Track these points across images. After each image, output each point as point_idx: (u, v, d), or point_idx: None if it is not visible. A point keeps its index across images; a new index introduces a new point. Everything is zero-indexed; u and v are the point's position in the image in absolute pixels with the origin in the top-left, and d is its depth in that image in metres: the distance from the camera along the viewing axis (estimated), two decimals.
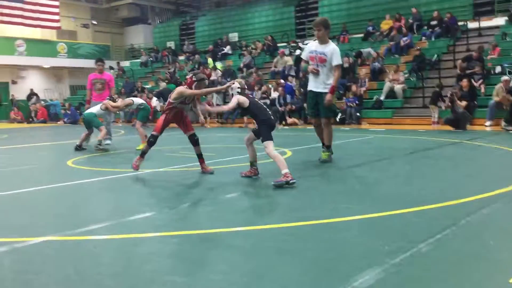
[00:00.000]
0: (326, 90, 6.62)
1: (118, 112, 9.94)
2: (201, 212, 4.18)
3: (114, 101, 9.34)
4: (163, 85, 18.18)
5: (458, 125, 11.76)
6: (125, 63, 28.30)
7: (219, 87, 6.36)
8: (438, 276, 2.53)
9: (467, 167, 6.40)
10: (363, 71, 16.71)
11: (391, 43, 17.87)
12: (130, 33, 31.07)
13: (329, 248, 3.02)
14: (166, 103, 6.21)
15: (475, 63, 14.30)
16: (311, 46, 6.80)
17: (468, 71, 14.16)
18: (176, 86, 10.27)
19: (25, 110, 24.43)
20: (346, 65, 16.64)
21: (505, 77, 12.73)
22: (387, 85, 15.43)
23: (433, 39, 17.55)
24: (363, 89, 15.88)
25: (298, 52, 18.31)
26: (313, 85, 6.79)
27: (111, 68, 25.07)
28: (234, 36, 25.28)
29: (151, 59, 26.61)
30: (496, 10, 17.71)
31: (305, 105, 12.11)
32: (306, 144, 9.24)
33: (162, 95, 14.92)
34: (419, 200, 4.26)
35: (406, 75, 15.86)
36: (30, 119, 23.56)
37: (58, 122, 22.47)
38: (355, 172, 6.08)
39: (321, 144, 6.98)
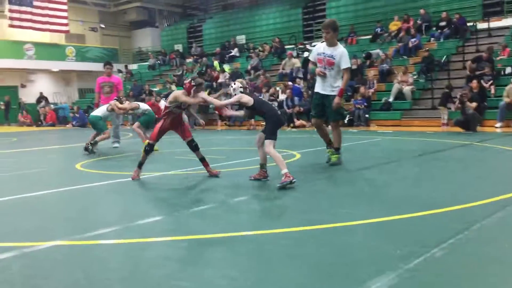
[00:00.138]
0: (334, 93, 6.56)
1: (126, 115, 9.95)
2: (210, 216, 4.15)
3: (121, 102, 9.31)
4: (173, 87, 18.26)
5: (468, 126, 11.65)
6: (133, 66, 28.43)
7: (214, 100, 6.21)
8: (453, 281, 2.49)
9: (478, 169, 6.32)
10: (371, 73, 16.63)
11: (400, 44, 17.78)
12: (138, 36, 31.20)
13: (339, 253, 2.98)
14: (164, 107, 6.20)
15: (484, 64, 14.18)
16: (319, 48, 6.74)
17: (477, 72, 14.04)
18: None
19: (34, 114, 24.59)
20: (354, 66, 16.55)
21: None
22: (395, 86, 15.34)
23: (442, 40, 17.43)
24: (372, 90, 15.81)
25: (306, 54, 18.27)
26: (320, 87, 6.74)
27: (119, 71, 25.20)
28: (241, 39, 25.29)
29: (159, 62, 26.69)
30: (505, 10, 17.55)
31: None
32: (314, 147, 9.18)
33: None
34: (430, 203, 4.20)
35: (415, 77, 15.75)
36: (39, 123, 23.71)
37: (67, 125, 22.59)
38: (364, 175, 6.03)
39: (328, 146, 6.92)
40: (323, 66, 6.60)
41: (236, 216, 4.13)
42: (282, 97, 16.62)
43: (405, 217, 3.77)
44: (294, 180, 5.08)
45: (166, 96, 15.94)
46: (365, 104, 14.92)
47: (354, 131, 13.20)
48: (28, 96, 26.21)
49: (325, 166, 6.66)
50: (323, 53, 6.59)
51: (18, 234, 3.71)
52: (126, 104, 9.37)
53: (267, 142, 5.36)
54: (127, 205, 4.84)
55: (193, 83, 5.86)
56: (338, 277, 2.60)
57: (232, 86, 5.70)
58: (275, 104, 16.66)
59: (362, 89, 15.28)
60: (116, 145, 10.03)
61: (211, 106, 18.24)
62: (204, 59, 23.32)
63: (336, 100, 6.50)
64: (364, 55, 17.79)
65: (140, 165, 6.01)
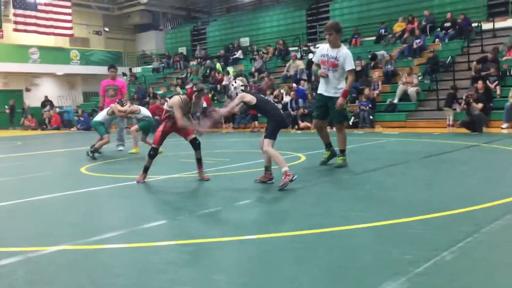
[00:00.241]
0: (337, 95, 6.52)
1: (131, 119, 9.90)
2: (215, 219, 4.11)
3: (122, 105, 9.27)
4: (178, 89, 18.28)
5: (474, 127, 11.56)
6: (137, 69, 28.48)
7: (215, 114, 6.08)
8: (465, 285, 2.44)
9: (486, 171, 6.25)
10: (376, 74, 16.57)
11: (404, 45, 17.71)
12: (142, 39, 31.27)
13: (349, 256, 2.93)
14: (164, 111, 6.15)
15: (490, 65, 14.10)
16: (322, 50, 6.71)
17: (483, 73, 13.96)
18: None
19: (39, 117, 24.67)
20: (358, 68, 16.50)
21: None
22: (400, 88, 15.27)
23: (446, 41, 17.35)
24: (376, 92, 15.74)
25: (310, 56, 18.24)
26: (323, 89, 6.70)
27: (123, 74, 25.25)
28: (245, 41, 25.29)
29: (163, 65, 26.72)
30: (510, 10, 17.47)
31: None
32: (319, 149, 9.10)
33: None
34: (438, 205, 4.15)
35: (420, 78, 15.68)
36: (44, 126, 23.77)
37: (72, 129, 22.64)
38: (371, 177, 5.97)
39: (337, 149, 6.88)
40: (326, 68, 6.56)
41: (242, 220, 4.09)
42: (286, 99, 16.58)
43: (414, 219, 3.71)
44: (295, 177, 5.10)
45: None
46: (370, 105, 14.86)
47: (359, 132, 13.14)
48: (33, 100, 26.30)
49: (331, 168, 6.62)
50: (327, 54, 6.56)
51: (23, 238, 3.69)
52: (127, 107, 9.30)
53: (266, 141, 5.32)
54: (132, 208, 4.82)
55: (195, 89, 5.82)
56: (348, 281, 2.55)
57: (232, 85, 5.66)
58: (280, 106, 16.67)
59: (366, 91, 15.22)
60: (121, 148, 10.02)
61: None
62: (208, 61, 23.34)
63: (340, 100, 6.46)
64: (370, 56, 17.72)
65: (145, 170, 5.99)
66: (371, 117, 14.72)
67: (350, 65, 6.45)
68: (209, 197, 5.20)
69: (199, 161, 6.05)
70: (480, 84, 13.08)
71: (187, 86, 5.97)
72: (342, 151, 6.76)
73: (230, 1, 29.59)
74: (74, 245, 3.39)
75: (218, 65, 22.33)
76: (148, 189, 5.80)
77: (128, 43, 31.17)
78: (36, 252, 3.27)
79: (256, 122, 15.65)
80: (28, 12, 24.95)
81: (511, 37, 16.06)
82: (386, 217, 3.79)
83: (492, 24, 16.94)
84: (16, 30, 24.82)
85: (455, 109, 13.21)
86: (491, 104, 12.98)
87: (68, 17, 26.44)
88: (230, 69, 21.63)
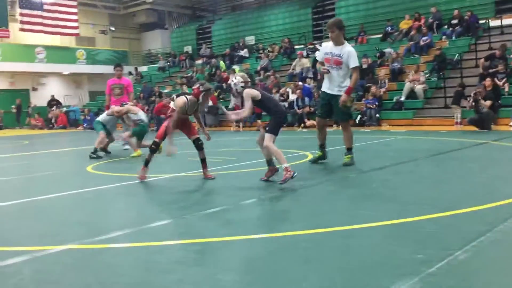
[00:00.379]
0: (342, 93, 6.46)
1: (128, 123, 9.84)
2: (222, 218, 4.07)
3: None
4: (184, 88, 18.29)
5: (482, 125, 11.46)
6: (143, 68, 28.51)
7: (229, 116, 5.89)
8: (480, 286, 2.38)
9: (496, 168, 6.16)
10: (382, 72, 16.46)
11: (411, 43, 17.59)
12: (147, 38, 31.29)
13: (357, 256, 2.88)
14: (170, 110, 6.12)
15: (498, 62, 13.96)
16: (326, 48, 6.66)
17: (491, 70, 13.83)
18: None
19: (45, 117, 24.75)
20: (365, 66, 16.42)
21: None
22: (407, 85, 15.16)
23: (453, 38, 17.21)
24: (383, 90, 15.64)
25: (317, 54, 18.16)
26: (327, 87, 6.65)
27: (129, 73, 25.26)
28: (250, 39, 25.23)
29: (169, 63, 26.71)
30: None
31: None
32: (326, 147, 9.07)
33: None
34: (449, 204, 4.09)
35: (427, 75, 15.56)
36: (50, 125, 23.85)
37: (78, 128, 22.70)
38: (378, 176, 5.91)
39: (343, 147, 6.83)
40: (330, 66, 6.51)
41: (249, 219, 4.05)
42: (292, 97, 16.52)
43: (424, 218, 3.65)
44: (295, 174, 5.07)
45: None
46: (377, 103, 14.76)
47: (365, 131, 13.06)
48: (39, 99, 26.39)
49: (337, 166, 6.56)
50: (330, 52, 6.51)
51: (29, 238, 3.67)
52: (124, 108, 9.18)
53: (267, 136, 5.28)
54: (138, 207, 4.79)
55: (201, 89, 5.78)
56: (358, 281, 2.50)
57: (232, 81, 5.60)
58: (286, 104, 16.61)
59: (373, 89, 15.11)
60: (127, 147, 10.00)
61: (219, 112, 18.26)
62: (213, 60, 23.31)
63: (343, 97, 6.39)
64: (378, 54, 17.59)
65: (146, 164, 5.98)
66: (377, 115, 14.63)
67: (354, 62, 6.39)
68: (215, 196, 5.16)
69: (203, 161, 6.02)
70: (488, 81, 12.95)
71: (194, 87, 5.91)
72: (349, 149, 6.70)
73: None
74: (80, 245, 3.36)
75: (221, 63, 22.29)
76: (154, 187, 5.78)
77: (134, 42, 31.20)
78: (42, 251, 3.25)
79: (259, 121, 15.59)
80: (34, 12, 25.02)
81: None
82: (395, 216, 3.73)
83: (499, 21, 16.78)
84: (22, 29, 24.89)
85: (463, 107, 13.10)
86: (499, 101, 12.86)
87: (74, 17, 26.50)
88: (236, 67, 21.58)
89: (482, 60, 14.30)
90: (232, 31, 26.65)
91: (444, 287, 2.38)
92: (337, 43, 6.49)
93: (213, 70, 22.31)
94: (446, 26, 17.94)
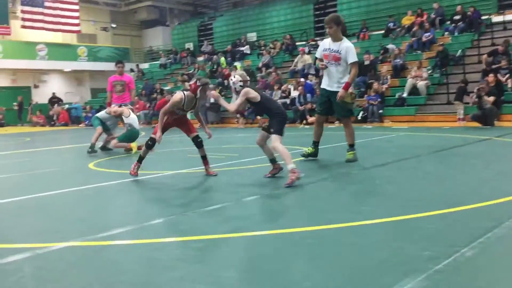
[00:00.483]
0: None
1: (137, 114, 9.84)
2: (224, 215, 4.04)
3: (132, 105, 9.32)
4: (186, 85, 18.24)
5: (485, 121, 11.40)
6: (145, 65, 28.45)
7: (226, 105, 5.77)
8: (489, 283, 2.34)
9: (500, 164, 6.12)
10: (384, 68, 16.40)
11: (413, 39, 17.51)
12: (149, 35, 31.24)
13: (362, 253, 2.84)
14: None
15: (501, 58, 13.90)
16: (324, 44, 6.62)
17: (494, 66, 13.77)
18: None
19: (47, 114, 24.74)
20: (367, 62, 16.36)
21: None
22: (409, 81, 15.10)
23: (456, 34, 17.12)
24: (385, 86, 15.58)
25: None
26: (327, 84, 6.61)
27: (131, 70, 25.22)
28: (252, 36, 25.16)
29: (170, 60, 26.66)
30: None
31: None
32: (328, 143, 9.03)
33: None
34: (453, 200, 4.05)
35: (430, 71, 15.49)
36: (52, 123, 23.83)
37: (80, 125, 22.68)
38: (382, 172, 5.87)
39: (346, 143, 6.78)
40: (329, 62, 6.46)
41: (252, 215, 4.01)
42: (294, 94, 16.47)
43: (429, 215, 3.61)
44: (302, 175, 5.04)
45: None
46: (379, 100, 14.71)
47: (368, 127, 13.01)
48: (41, 96, 26.37)
49: (340, 163, 6.52)
50: (329, 48, 6.47)
51: (31, 234, 3.64)
52: (119, 108, 9.15)
53: (274, 137, 5.24)
54: (139, 204, 4.76)
55: (198, 83, 5.72)
56: (364, 278, 2.46)
57: (231, 80, 5.56)
58: (287, 101, 16.57)
59: (375, 85, 15.05)
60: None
61: (221, 109, 18.21)
62: (215, 57, 23.25)
63: (341, 93, 6.33)
64: (381, 50, 17.49)
65: (140, 160, 5.92)
66: (380, 111, 14.58)
67: (353, 57, 6.35)
68: (217, 192, 5.13)
69: (204, 158, 5.97)
70: (491, 77, 12.89)
71: (191, 82, 5.86)
72: (351, 146, 6.65)
73: None
74: (82, 242, 3.33)
75: (222, 59, 22.24)
76: (156, 184, 5.74)
77: (135, 39, 31.15)
78: (44, 248, 3.21)
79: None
80: (35, 9, 24.97)
81: None
82: (399, 212, 3.69)
83: (502, 16, 16.70)
84: (23, 26, 24.85)
85: (465, 103, 13.03)
86: (502, 97, 12.80)
87: (76, 14, 26.44)
88: (238, 64, 21.53)
89: (485, 56, 14.23)
90: (234, 28, 26.57)
91: (451, 284, 2.34)
92: (335, 39, 6.45)
93: (215, 67, 22.26)
94: (448, 22, 17.86)
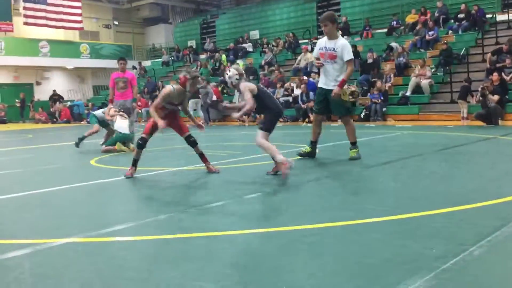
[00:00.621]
0: None
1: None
2: (226, 212, 3.99)
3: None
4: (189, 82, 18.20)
5: (489, 120, 11.33)
6: (147, 63, 28.40)
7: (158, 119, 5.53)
8: (498, 282, 2.29)
9: (506, 163, 6.05)
10: (388, 67, 16.32)
11: (417, 37, 17.42)
12: (151, 32, 31.18)
13: (367, 251, 2.78)
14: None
15: (505, 56, 13.82)
16: (320, 43, 6.59)
17: (498, 65, 13.69)
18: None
19: (48, 111, 24.73)
20: (370, 60, 16.29)
21: None
22: (413, 80, 15.02)
23: (460, 32, 17.04)
24: (388, 84, 15.51)
25: None
26: (323, 82, 6.58)
27: (133, 68, 25.18)
28: (255, 34, 25.09)
29: (172, 58, 26.61)
30: None
31: None
32: (331, 141, 8.99)
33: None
34: (459, 198, 3.99)
35: (433, 70, 15.42)
36: (54, 120, 23.82)
37: (82, 122, 22.65)
38: (386, 170, 5.82)
39: (348, 141, 6.73)
40: (325, 61, 6.43)
41: (254, 213, 3.97)
42: (296, 92, 16.41)
43: (435, 213, 3.56)
44: (293, 164, 5.02)
45: None
46: (382, 98, 14.64)
47: (371, 125, 12.95)
48: (43, 93, 26.35)
49: (342, 161, 6.47)
50: (325, 47, 6.44)
51: (32, 230, 3.61)
52: (114, 114, 9.13)
53: (260, 133, 5.17)
54: (141, 201, 4.73)
55: (188, 76, 5.63)
56: (368, 277, 2.41)
57: (227, 74, 5.48)
58: (290, 99, 16.51)
59: (378, 83, 14.98)
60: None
61: (220, 108, 18.15)
62: (217, 54, 23.20)
63: (336, 90, 6.29)
64: (387, 51, 17.36)
65: (134, 163, 5.77)
66: (384, 109, 14.51)
67: (348, 55, 6.31)
68: (219, 189, 5.08)
69: (201, 156, 5.87)
70: (495, 76, 12.82)
71: (180, 75, 5.76)
72: (353, 144, 6.60)
73: None
74: (83, 238, 3.29)
75: (223, 57, 22.18)
76: (158, 181, 5.70)
77: (138, 36, 31.10)
78: (44, 244, 3.18)
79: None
80: (38, 6, 24.94)
81: None
82: (404, 210, 3.64)
83: (506, 15, 16.61)
84: (26, 23, 24.81)
85: (469, 102, 12.96)
86: (506, 96, 12.73)
87: (78, 11, 26.41)
88: (240, 62, 21.47)
89: (489, 54, 14.15)
90: (236, 26, 26.51)
91: (460, 283, 2.29)
92: (331, 37, 6.42)
93: (217, 64, 22.21)
94: (452, 21, 17.78)
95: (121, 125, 8.96)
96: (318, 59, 6.58)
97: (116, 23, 29.83)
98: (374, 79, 15.39)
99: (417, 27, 17.83)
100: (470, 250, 2.66)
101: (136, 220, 3.76)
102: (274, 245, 3.02)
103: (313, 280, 2.40)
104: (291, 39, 21.50)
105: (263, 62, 20.53)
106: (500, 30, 16.05)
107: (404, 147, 8.06)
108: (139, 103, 17.13)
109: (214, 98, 17.54)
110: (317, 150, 6.88)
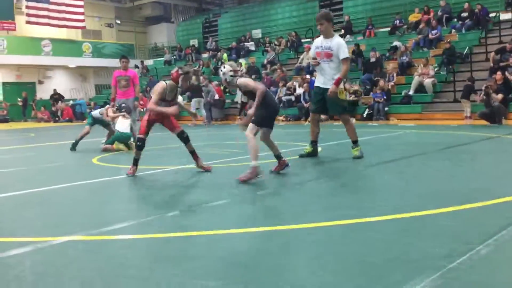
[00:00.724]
0: None
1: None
2: (228, 211, 3.96)
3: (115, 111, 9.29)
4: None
5: (493, 119, 11.27)
6: (149, 62, 28.38)
7: (168, 109, 5.65)
8: (505, 281, 2.25)
9: (510, 162, 6.00)
10: (391, 66, 16.27)
11: (419, 36, 17.36)
12: (153, 31, 31.17)
13: (371, 251, 2.75)
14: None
15: (508, 55, 13.76)
16: (317, 42, 6.57)
17: (501, 64, 13.63)
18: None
19: (50, 110, 24.74)
20: (373, 59, 16.24)
21: None
22: (416, 79, 14.97)
23: (463, 31, 16.97)
24: (391, 83, 15.46)
25: None
26: (320, 81, 6.55)
27: (136, 66, 25.17)
28: (257, 33, 25.05)
29: (175, 57, 26.58)
30: None
31: None
32: (334, 140, 8.95)
33: (189, 91, 14.88)
34: (464, 197, 3.95)
35: (436, 69, 15.36)
36: (57, 119, 23.83)
37: (84, 121, 22.63)
38: (389, 168, 5.78)
39: (350, 140, 6.68)
40: (321, 59, 6.40)
41: (257, 211, 3.94)
42: (299, 91, 16.37)
43: (440, 211, 3.52)
44: (260, 176, 4.93)
45: (184, 90, 15.84)
46: (385, 97, 14.59)
47: (374, 125, 12.90)
48: (46, 92, 26.35)
49: (345, 159, 6.43)
50: (321, 46, 6.42)
51: (33, 228, 3.58)
52: (114, 114, 9.14)
53: (251, 125, 5.11)
54: (142, 199, 4.70)
55: (180, 72, 5.62)
56: (373, 276, 2.37)
57: (221, 70, 5.44)
58: (292, 98, 16.48)
59: (381, 82, 14.94)
60: (133, 139, 9.91)
61: (226, 106, 18.12)
62: (219, 53, 23.16)
63: (332, 88, 6.26)
64: (391, 51, 17.26)
65: (135, 162, 5.76)
66: (386, 108, 14.46)
67: (344, 53, 6.28)
68: (220, 188, 5.04)
69: (193, 153, 5.84)
70: (499, 75, 12.76)
71: (173, 71, 5.75)
72: (355, 142, 6.56)
73: None
74: (84, 236, 3.26)
75: (224, 56, 22.13)
76: (159, 179, 5.68)
77: (140, 35, 31.09)
78: (45, 242, 3.15)
79: None
80: (40, 5, 24.95)
81: None
82: (409, 209, 3.60)
83: (510, 14, 16.54)
84: (28, 22, 24.83)
85: (472, 101, 12.90)
86: (510, 95, 12.66)
87: (80, 10, 26.41)
88: (242, 61, 21.44)
89: (493, 53, 14.08)
90: (239, 25, 26.47)
91: (467, 283, 2.25)
92: (327, 35, 6.39)
93: (219, 63, 22.15)
94: (455, 19, 17.70)
95: (122, 124, 8.97)
96: (314, 58, 6.56)
97: (119, 22, 29.82)
98: (377, 78, 15.34)
99: (420, 26, 17.76)
100: (477, 249, 2.62)
101: (137, 218, 3.73)
102: (275, 244, 2.99)
103: (314, 279, 2.36)
104: (293, 38, 21.45)
105: (265, 61, 20.49)
106: (503, 29, 15.97)
107: (408, 146, 8.02)
108: (141, 102, 17.11)
109: (216, 97, 17.52)
110: (318, 149, 6.84)
